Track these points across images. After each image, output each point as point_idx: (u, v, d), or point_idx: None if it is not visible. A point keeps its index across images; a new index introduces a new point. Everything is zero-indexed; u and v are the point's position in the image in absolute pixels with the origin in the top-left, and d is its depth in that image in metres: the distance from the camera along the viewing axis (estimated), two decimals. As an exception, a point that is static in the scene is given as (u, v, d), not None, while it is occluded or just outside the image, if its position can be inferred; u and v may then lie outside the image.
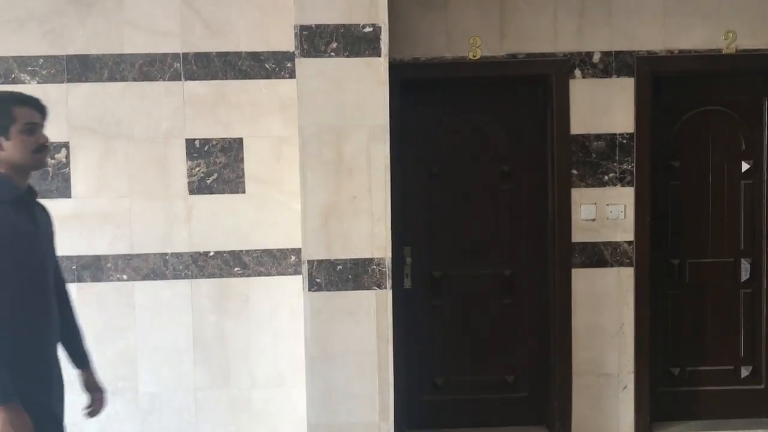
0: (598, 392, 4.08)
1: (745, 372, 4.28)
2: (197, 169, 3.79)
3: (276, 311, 3.85)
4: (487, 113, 4.12)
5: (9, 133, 2.25)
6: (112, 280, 3.80)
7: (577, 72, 3.95)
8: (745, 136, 4.20)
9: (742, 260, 4.24)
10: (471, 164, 4.14)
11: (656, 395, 4.17)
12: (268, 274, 3.82)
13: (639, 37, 3.96)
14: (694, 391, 4.27)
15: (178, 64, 3.76)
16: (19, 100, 2.28)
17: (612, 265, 4.02)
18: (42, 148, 2.32)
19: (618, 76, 3.96)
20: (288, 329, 3.83)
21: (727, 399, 4.26)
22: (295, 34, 3.38)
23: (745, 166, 4.21)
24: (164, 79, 3.76)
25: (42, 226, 2.42)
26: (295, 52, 3.37)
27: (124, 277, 3.80)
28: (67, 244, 3.77)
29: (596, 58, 3.95)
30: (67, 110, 3.75)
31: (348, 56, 3.38)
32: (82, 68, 3.75)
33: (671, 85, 4.09)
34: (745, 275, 4.24)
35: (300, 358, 3.69)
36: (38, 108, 2.33)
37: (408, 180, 4.04)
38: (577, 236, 4.01)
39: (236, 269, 3.82)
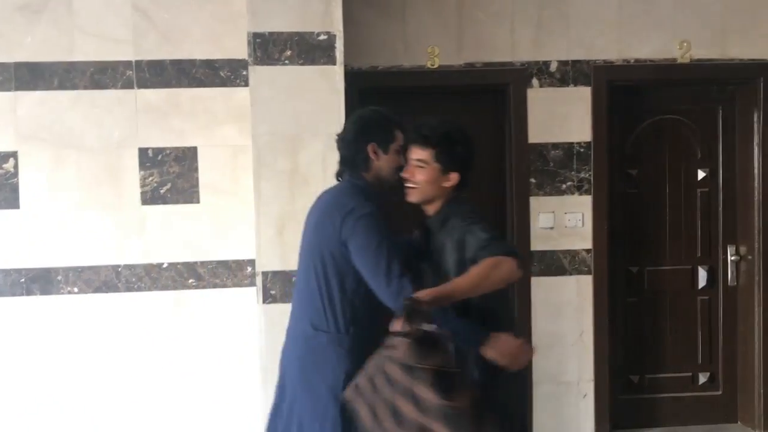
0: (558, 401, 4.07)
1: (702, 378, 4.31)
2: (150, 179, 3.71)
3: (232, 324, 3.77)
4: (445, 122, 4.10)
5: (388, 148, 2.50)
6: (62, 293, 3.69)
7: (535, 81, 3.96)
8: (701, 144, 4.25)
9: (699, 267, 4.28)
10: (430, 173, 4.09)
11: (616, 403, 4.16)
12: (224, 286, 3.74)
13: (595, 47, 3.98)
14: (653, 399, 4.28)
15: (131, 72, 3.68)
16: (400, 125, 2.55)
17: (571, 273, 4.02)
18: (399, 170, 2.52)
19: (575, 85, 3.97)
20: (245, 343, 3.74)
21: (686, 406, 4.29)
22: (248, 41, 3.33)
23: (701, 174, 4.25)
24: (116, 87, 3.68)
25: None
26: (248, 60, 3.32)
27: (75, 290, 3.70)
28: (15, 256, 3.66)
29: (553, 67, 3.97)
30: (16, 119, 3.65)
31: (303, 64, 3.34)
32: (31, 76, 3.65)
33: (628, 94, 4.11)
34: (702, 282, 4.28)
35: (258, 374, 3.61)
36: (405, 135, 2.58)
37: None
38: (536, 244, 4.01)
39: (191, 281, 3.74)
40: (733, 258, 4.25)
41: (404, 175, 2.49)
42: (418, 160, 2.46)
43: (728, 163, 4.26)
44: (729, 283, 4.27)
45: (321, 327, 2.44)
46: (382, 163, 2.50)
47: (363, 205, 2.41)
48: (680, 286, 4.27)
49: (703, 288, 4.28)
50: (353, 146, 2.51)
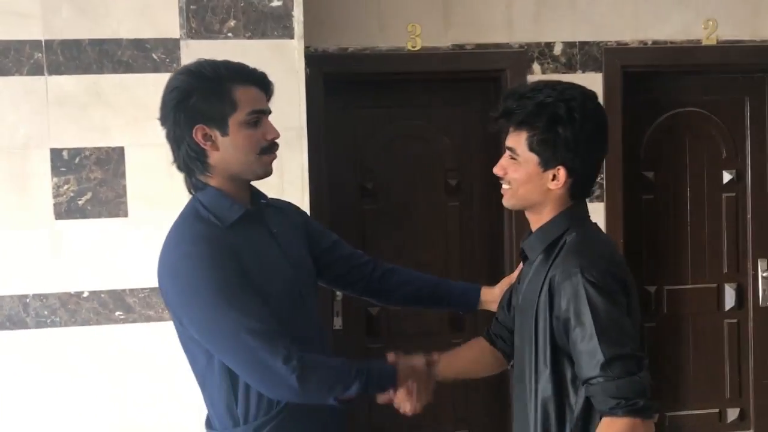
0: (568, 448, 3.50)
1: (732, 415, 3.87)
2: (66, 186, 3.12)
3: (176, 367, 3.13)
4: (429, 116, 3.65)
5: (227, 125, 1.63)
6: (-45, 331, 3.05)
7: (536, 66, 3.48)
8: (726, 142, 3.81)
9: (726, 286, 3.83)
10: (412, 178, 3.68)
11: (634, 448, 3.63)
12: (160, 319, 3.13)
13: (607, 26, 3.52)
14: (675, 440, 3.82)
15: (40, 55, 3.08)
16: (245, 77, 1.64)
17: (581, 296, 3.49)
18: (270, 147, 1.70)
19: (584, 71, 3.50)
20: (196, 390, 3.12)
21: (712, 448, 3.84)
22: (180, 8, 2.74)
23: (726, 177, 3.81)
24: (22, 73, 3.08)
25: (282, 236, 1.84)
26: (181, 33, 2.72)
27: (-28, 326, 3.06)
28: None
29: (558, 49, 3.49)
30: None
31: (251, 38, 2.78)
32: None
33: (643, 82, 3.64)
34: (729, 303, 3.83)
35: None
36: (265, 87, 1.70)
37: (336, 197, 3.48)
38: (540, 262, 3.45)
39: (118, 313, 3.13)
40: (765, 274, 3.80)
41: (495, 170, 1.74)
42: (509, 148, 1.70)
43: (757, 164, 3.81)
44: (760, 304, 3.82)
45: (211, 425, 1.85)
46: (225, 152, 1.65)
47: (188, 244, 1.69)
48: (704, 308, 3.84)
49: (730, 309, 3.84)
50: (172, 136, 1.67)
